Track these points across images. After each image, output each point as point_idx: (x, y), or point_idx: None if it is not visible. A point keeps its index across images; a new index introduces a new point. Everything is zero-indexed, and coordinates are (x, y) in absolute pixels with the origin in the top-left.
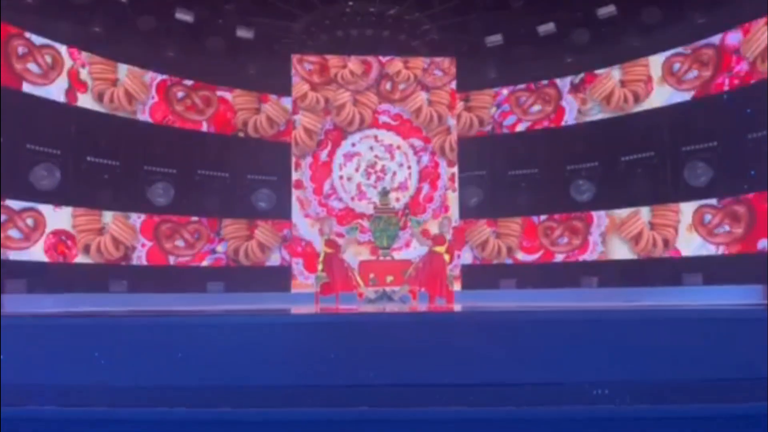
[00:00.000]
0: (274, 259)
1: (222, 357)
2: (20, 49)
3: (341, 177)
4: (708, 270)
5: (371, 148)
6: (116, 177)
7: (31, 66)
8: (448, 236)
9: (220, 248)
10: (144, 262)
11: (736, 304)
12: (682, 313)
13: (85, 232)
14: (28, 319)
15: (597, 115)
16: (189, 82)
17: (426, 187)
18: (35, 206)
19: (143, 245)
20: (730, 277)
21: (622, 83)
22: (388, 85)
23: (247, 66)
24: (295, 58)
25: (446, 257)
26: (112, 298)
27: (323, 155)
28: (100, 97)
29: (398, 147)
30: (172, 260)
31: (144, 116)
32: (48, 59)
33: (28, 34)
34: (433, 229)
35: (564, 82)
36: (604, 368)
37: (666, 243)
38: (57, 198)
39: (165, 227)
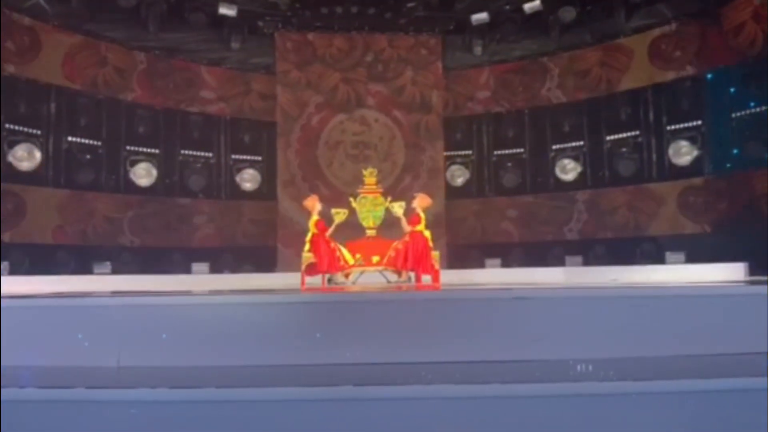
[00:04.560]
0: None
1: (207, 337)
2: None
3: (327, 155)
4: (690, 248)
5: (358, 127)
6: (98, 157)
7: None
8: (423, 214)
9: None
10: (128, 243)
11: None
12: (663, 290)
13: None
14: (8, 300)
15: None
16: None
17: (411, 167)
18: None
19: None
20: (712, 255)
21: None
22: (373, 64)
23: (230, 44)
24: (278, 35)
25: (427, 234)
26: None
27: (308, 134)
28: (83, 76)
29: (385, 125)
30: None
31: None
32: (26, 38)
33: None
34: (413, 207)
35: (550, 61)
36: (587, 345)
37: (648, 221)
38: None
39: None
